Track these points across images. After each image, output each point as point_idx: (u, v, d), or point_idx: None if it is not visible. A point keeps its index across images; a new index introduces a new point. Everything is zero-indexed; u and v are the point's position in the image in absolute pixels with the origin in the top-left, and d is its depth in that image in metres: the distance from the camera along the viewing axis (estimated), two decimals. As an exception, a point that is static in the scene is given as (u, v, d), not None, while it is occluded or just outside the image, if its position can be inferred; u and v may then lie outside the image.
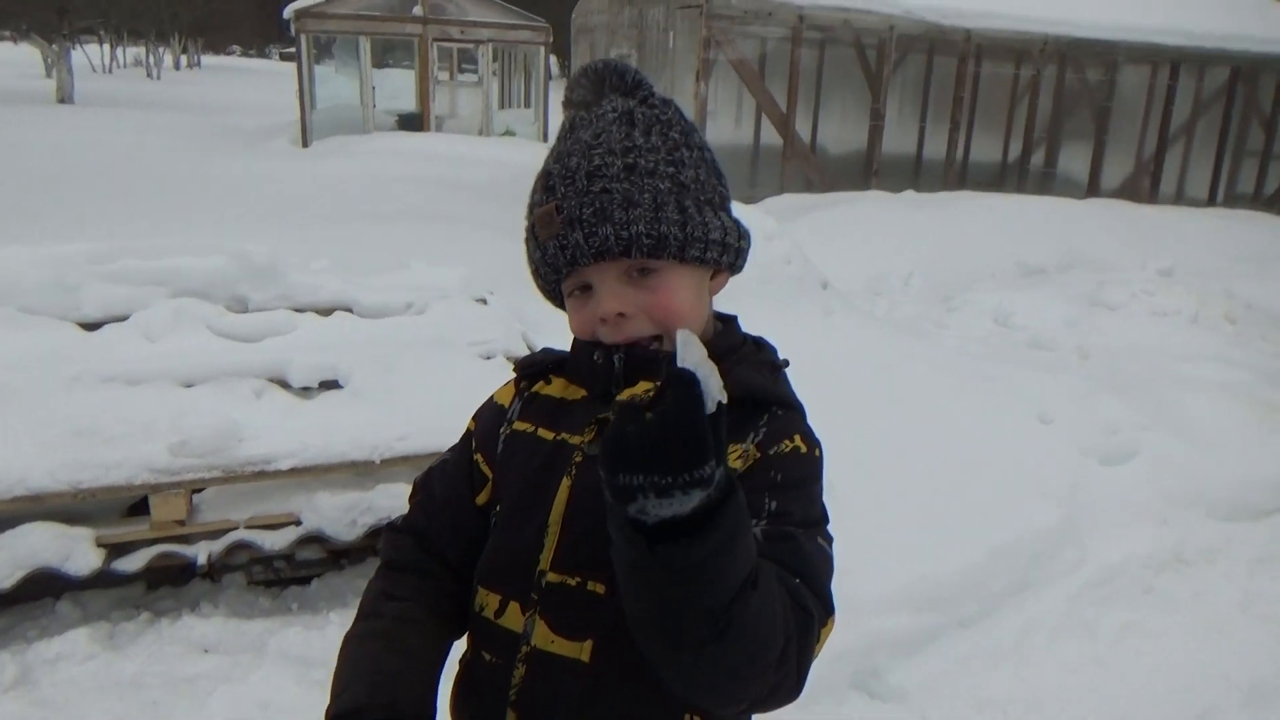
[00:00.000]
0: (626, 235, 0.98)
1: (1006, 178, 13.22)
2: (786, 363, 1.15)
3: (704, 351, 0.79)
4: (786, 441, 1.03)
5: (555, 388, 1.13)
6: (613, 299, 1.01)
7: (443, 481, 1.17)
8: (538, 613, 1.04)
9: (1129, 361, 5.34)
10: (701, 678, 0.86)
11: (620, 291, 1.01)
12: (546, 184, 1.03)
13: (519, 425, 1.13)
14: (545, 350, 1.17)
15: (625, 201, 0.99)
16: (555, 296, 1.11)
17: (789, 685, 0.90)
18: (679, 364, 0.78)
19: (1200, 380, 4.92)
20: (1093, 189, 12.79)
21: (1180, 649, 3.07)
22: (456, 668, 1.16)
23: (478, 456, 1.15)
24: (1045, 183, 13.03)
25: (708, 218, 1.04)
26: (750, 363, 1.10)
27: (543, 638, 1.03)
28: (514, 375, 1.19)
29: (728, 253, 1.07)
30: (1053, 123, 13.18)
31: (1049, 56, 12.42)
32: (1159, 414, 4.33)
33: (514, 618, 1.06)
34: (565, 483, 1.05)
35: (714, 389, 0.77)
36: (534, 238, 1.05)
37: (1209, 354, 5.65)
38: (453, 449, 1.20)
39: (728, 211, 1.09)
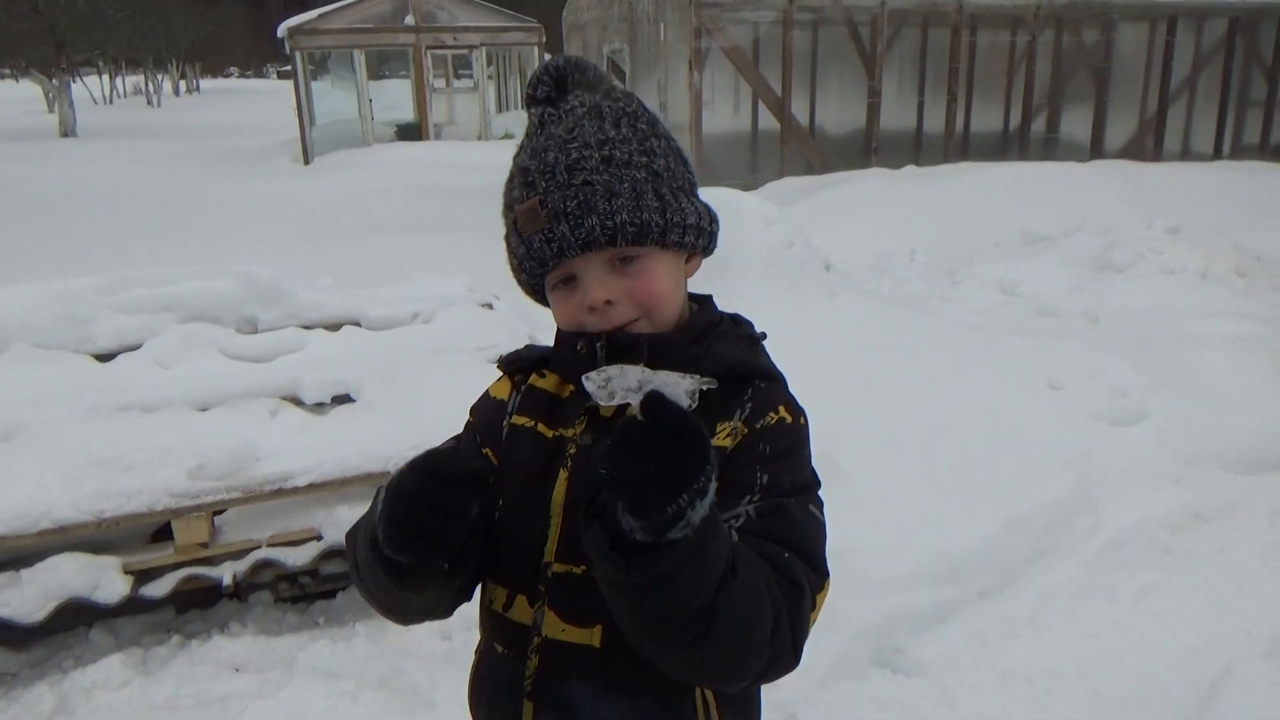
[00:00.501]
0: (611, 225, 1.02)
1: (1009, 146, 13.15)
2: (764, 335, 1.18)
3: (637, 368, 0.86)
4: (772, 414, 1.06)
5: (549, 382, 1.16)
6: (600, 288, 1.04)
7: None
8: (546, 603, 1.07)
9: (1138, 323, 5.33)
10: (700, 667, 0.92)
11: (606, 280, 1.05)
12: (526, 179, 1.06)
13: (518, 419, 1.15)
14: (529, 346, 1.20)
15: (607, 192, 1.02)
16: (537, 291, 1.13)
17: (785, 656, 0.95)
18: (625, 391, 0.85)
19: (1211, 336, 4.90)
20: (1096, 151, 12.70)
21: (1200, 607, 3.08)
22: (472, 658, 1.20)
23: (486, 450, 1.17)
24: (1048, 148, 12.95)
25: (683, 203, 1.08)
26: (729, 338, 1.13)
27: (553, 627, 1.06)
28: (501, 373, 1.20)
29: (702, 236, 1.11)
30: (1052, 87, 13.10)
31: (1044, 21, 12.34)
32: (1169, 373, 4.32)
33: (522, 610, 1.09)
34: (563, 475, 1.08)
35: (682, 394, 0.84)
36: (516, 233, 1.07)
37: (1219, 309, 5.62)
38: (454, 438, 1.21)
39: (697, 196, 1.13)
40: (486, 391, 1.22)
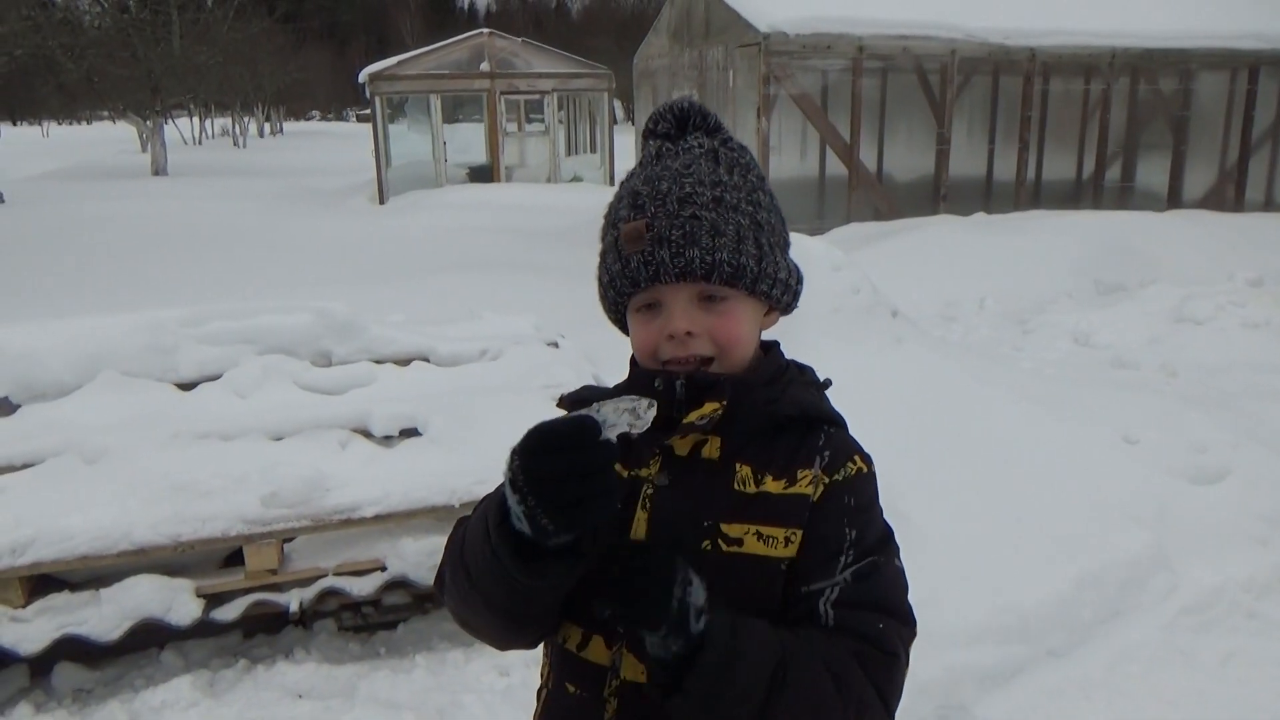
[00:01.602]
0: (710, 261, 1.05)
1: (1082, 195, 12.92)
2: (829, 382, 1.20)
3: (615, 402, 0.94)
4: (849, 464, 1.09)
5: None
6: (684, 318, 1.07)
7: None
8: (625, 645, 1.06)
9: (1219, 377, 5.16)
10: None
11: (691, 312, 1.07)
12: (635, 202, 1.09)
13: None
14: (588, 387, 1.21)
15: (713, 230, 1.05)
16: (619, 311, 1.15)
17: None
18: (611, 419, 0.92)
19: (1297, 394, 4.72)
20: (1174, 201, 12.40)
21: (1287, 676, 2.93)
22: (537, 699, 1.18)
23: None
24: (1123, 197, 12.69)
25: (777, 258, 1.12)
26: (799, 384, 1.16)
27: (632, 669, 1.05)
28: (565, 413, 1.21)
29: (787, 293, 1.14)
30: (1128, 136, 12.86)
31: (1119, 69, 12.16)
32: (1252, 430, 4.16)
33: (598, 651, 1.08)
34: (641, 515, 1.08)
35: (623, 422, 0.93)
36: (616, 250, 1.10)
37: (1306, 366, 5.41)
38: None
39: (789, 255, 1.16)
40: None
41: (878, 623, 1.02)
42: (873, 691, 0.99)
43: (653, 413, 0.94)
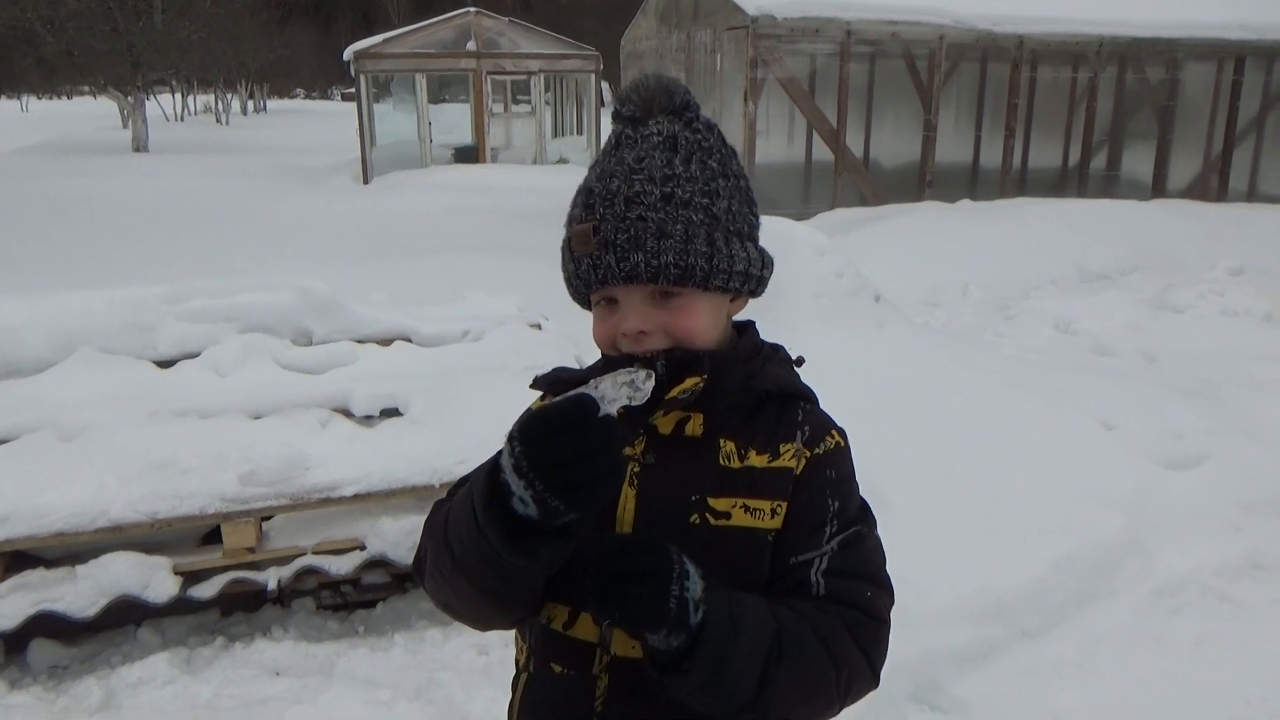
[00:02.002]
0: (656, 264, 1.03)
1: (1067, 182, 12.97)
2: (801, 360, 1.22)
3: (612, 376, 0.97)
4: (828, 438, 1.12)
5: None
6: (636, 317, 1.07)
7: None
8: None
9: (1197, 364, 5.20)
10: None
11: (643, 310, 1.07)
12: (587, 201, 1.08)
13: None
14: (562, 368, 1.19)
15: (659, 231, 1.03)
16: (583, 300, 1.16)
17: (865, 687, 1.07)
18: (606, 392, 0.94)
19: (1273, 381, 4.76)
20: (1158, 190, 12.47)
21: (1256, 659, 2.97)
22: (517, 682, 1.16)
23: None
24: (1108, 186, 12.75)
25: (734, 249, 1.08)
26: (774, 361, 1.17)
27: (623, 645, 1.06)
28: (540, 394, 1.19)
29: (749, 281, 1.12)
30: (1114, 124, 12.90)
31: (1107, 58, 12.19)
32: (1229, 417, 4.20)
33: (586, 628, 1.08)
34: (630, 493, 1.08)
35: (622, 396, 0.95)
36: (569, 250, 1.09)
37: (1283, 354, 5.46)
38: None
39: (754, 241, 1.14)
40: (529, 409, 1.20)
41: (866, 590, 1.07)
42: (861, 657, 1.04)
43: (651, 383, 0.96)
